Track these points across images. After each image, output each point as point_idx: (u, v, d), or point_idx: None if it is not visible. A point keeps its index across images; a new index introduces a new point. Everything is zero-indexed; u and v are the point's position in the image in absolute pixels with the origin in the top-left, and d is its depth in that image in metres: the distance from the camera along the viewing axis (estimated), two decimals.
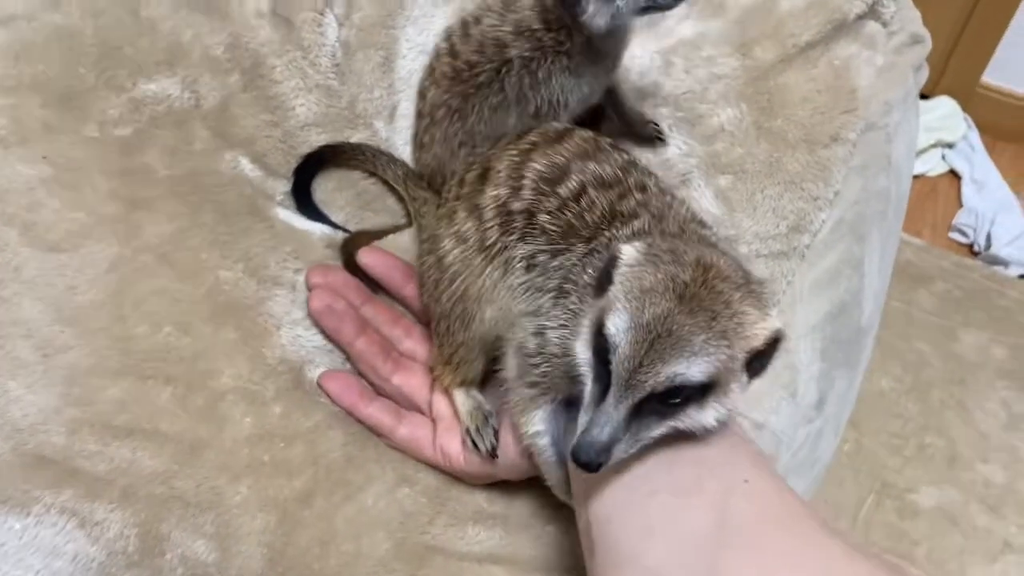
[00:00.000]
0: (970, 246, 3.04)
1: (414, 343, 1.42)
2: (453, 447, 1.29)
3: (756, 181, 1.47)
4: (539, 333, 1.11)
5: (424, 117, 1.54)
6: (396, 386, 1.36)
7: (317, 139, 1.63)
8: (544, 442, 1.15)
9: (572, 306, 1.07)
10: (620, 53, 1.46)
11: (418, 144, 1.57)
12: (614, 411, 0.87)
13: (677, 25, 1.65)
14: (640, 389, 0.86)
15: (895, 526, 2.09)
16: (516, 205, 1.17)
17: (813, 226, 1.45)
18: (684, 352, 0.85)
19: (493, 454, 1.24)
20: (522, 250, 1.16)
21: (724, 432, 0.99)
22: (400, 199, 1.62)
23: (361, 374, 1.39)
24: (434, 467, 1.33)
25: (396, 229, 1.60)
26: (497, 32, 1.43)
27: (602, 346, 0.89)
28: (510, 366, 1.20)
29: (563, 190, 1.14)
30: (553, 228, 1.13)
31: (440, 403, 1.34)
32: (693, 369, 0.85)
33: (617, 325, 0.88)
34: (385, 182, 1.63)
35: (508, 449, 1.23)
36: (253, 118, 1.60)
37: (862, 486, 2.02)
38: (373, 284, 1.48)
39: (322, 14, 1.72)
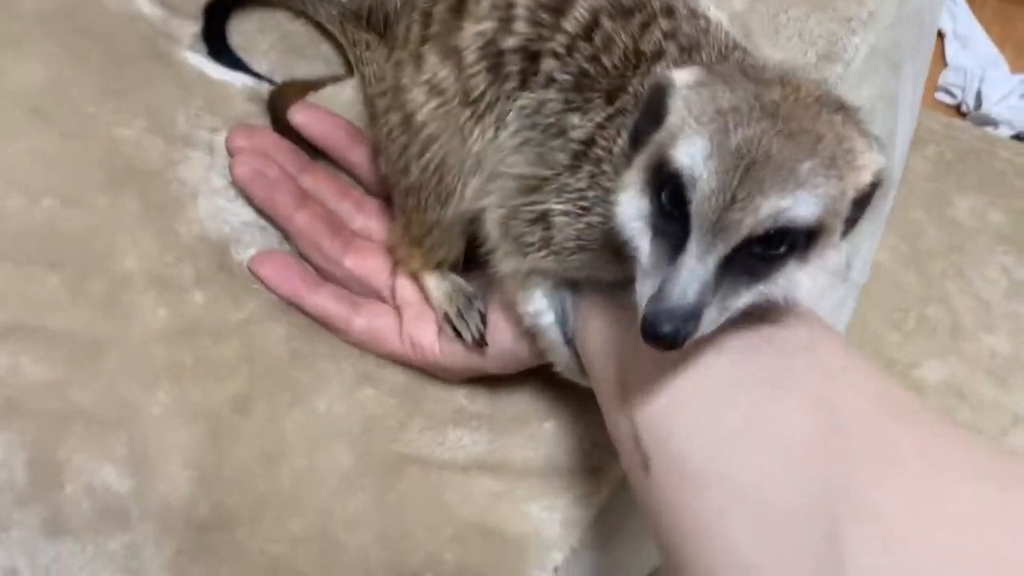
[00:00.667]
0: (958, 106, 2.88)
1: (368, 219, 1.14)
2: (426, 337, 1.04)
3: (778, 0, 1.21)
4: (543, 216, 0.86)
5: None
6: (348, 269, 1.09)
7: None
8: (548, 319, 0.91)
9: (605, 182, 0.81)
10: None
11: None
12: (699, 265, 0.64)
13: None
14: (734, 232, 0.64)
15: None
16: (509, 42, 0.89)
17: (847, 53, 1.20)
18: (789, 182, 0.63)
19: (481, 342, 0.99)
20: (523, 100, 0.90)
21: (798, 309, 0.75)
22: (337, 45, 1.32)
23: (304, 256, 1.12)
24: (402, 362, 1.07)
25: (335, 79, 1.30)
26: None
27: (671, 186, 0.66)
28: (497, 246, 0.95)
29: (569, 23, 0.87)
30: (564, 76, 0.87)
31: (405, 288, 1.08)
32: (801, 205, 0.64)
33: (693, 153, 0.65)
34: (317, 24, 1.33)
35: (500, 334, 0.99)
36: None
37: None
38: (311, 149, 1.19)
39: None
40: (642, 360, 0.76)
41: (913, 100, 1.40)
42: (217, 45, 1.26)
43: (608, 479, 1.05)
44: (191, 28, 1.25)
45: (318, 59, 1.34)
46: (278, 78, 1.29)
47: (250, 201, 1.13)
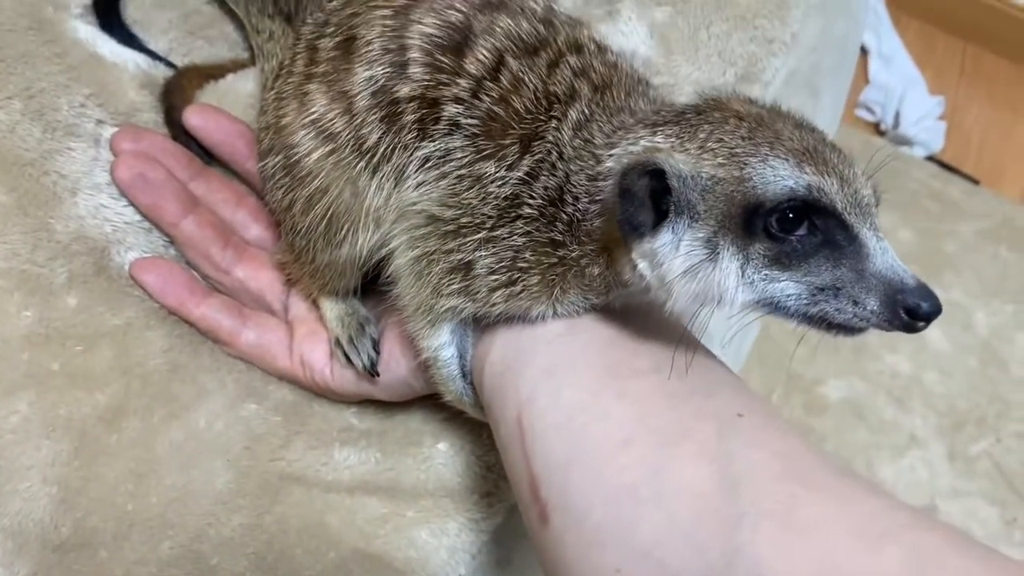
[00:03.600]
0: (876, 124, 2.91)
1: (265, 229, 1.07)
2: (316, 357, 0.98)
3: (700, 15, 1.18)
4: (467, 267, 0.81)
5: None
6: (239, 279, 1.02)
7: None
8: (448, 353, 0.87)
9: (542, 251, 0.78)
10: None
11: None
12: (883, 243, 0.70)
13: None
14: (870, 204, 0.70)
15: (802, 421, 1.95)
16: (404, 90, 0.81)
17: (766, 75, 1.18)
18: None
19: (372, 371, 0.94)
20: (425, 151, 0.82)
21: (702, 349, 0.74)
22: (242, 26, 1.24)
23: (191, 264, 1.04)
24: (290, 381, 1.02)
25: (237, 67, 1.22)
26: None
27: (782, 215, 0.68)
28: (404, 266, 0.87)
29: (472, 64, 0.80)
30: (470, 121, 0.80)
31: (299, 303, 1.02)
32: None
33: (795, 175, 0.68)
34: (222, 2, 1.25)
35: (396, 365, 0.94)
36: None
37: (769, 379, 1.86)
38: (207, 152, 1.11)
39: None
40: (542, 407, 0.73)
41: (831, 123, 1.40)
42: (109, 17, 1.17)
43: (501, 504, 1.01)
44: None
45: (221, 41, 1.26)
46: (176, 59, 1.21)
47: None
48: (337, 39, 0.86)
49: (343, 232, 0.88)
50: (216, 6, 1.25)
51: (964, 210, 2.48)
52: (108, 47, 1.14)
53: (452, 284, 0.80)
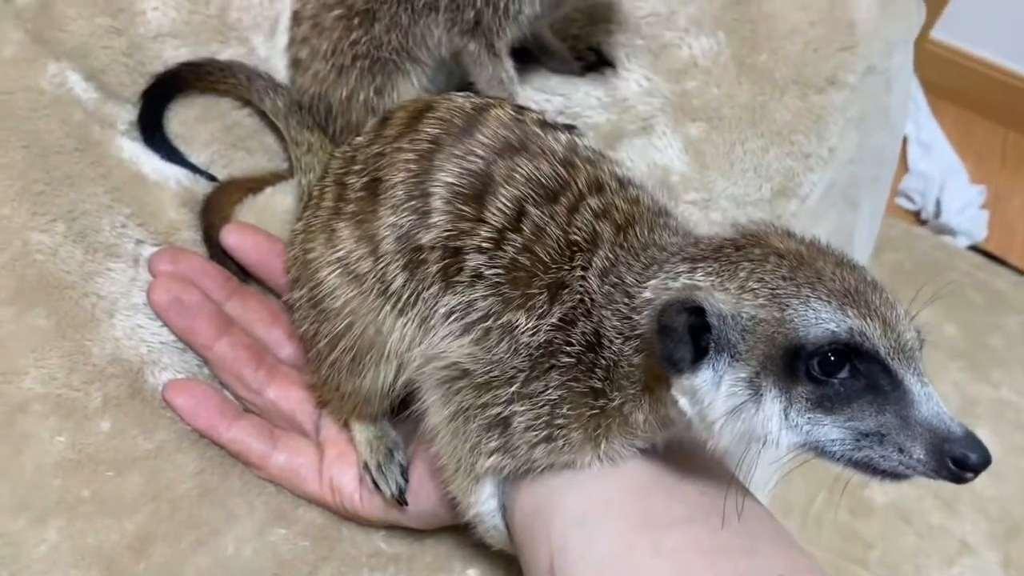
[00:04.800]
0: (917, 213, 2.85)
1: (297, 348, 1.06)
2: (346, 481, 0.97)
3: (735, 131, 1.18)
4: (503, 423, 0.79)
5: (304, 22, 1.19)
6: (270, 400, 1.02)
7: (174, 54, 1.26)
8: (491, 507, 0.85)
9: (582, 403, 0.76)
10: None
11: (292, 60, 1.22)
12: (929, 389, 0.69)
13: None
14: (914, 347, 0.69)
15: (847, 525, 1.89)
16: (426, 237, 0.81)
17: (802, 190, 1.17)
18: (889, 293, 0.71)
19: (401, 499, 0.92)
20: (450, 303, 0.81)
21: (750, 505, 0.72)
22: (282, 137, 1.26)
23: (223, 384, 1.05)
24: (319, 504, 1.00)
25: (276, 178, 1.24)
26: None
27: (826, 358, 0.67)
28: (440, 424, 0.85)
29: (492, 214, 0.80)
30: (493, 271, 0.79)
31: (331, 425, 1.01)
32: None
33: (838, 318, 0.67)
34: (263, 113, 1.27)
35: (425, 496, 0.93)
36: (86, 22, 1.21)
37: (812, 482, 1.80)
38: (243, 269, 1.12)
39: None
40: (574, 558, 0.71)
41: (870, 232, 1.38)
42: (153, 133, 1.20)
43: None
44: (128, 114, 1.20)
45: (261, 152, 1.28)
46: (217, 171, 1.23)
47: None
48: (364, 179, 0.87)
49: (367, 366, 0.88)
50: (257, 118, 1.28)
51: (1011, 302, 2.42)
52: (151, 165, 1.16)
53: (490, 442, 0.79)
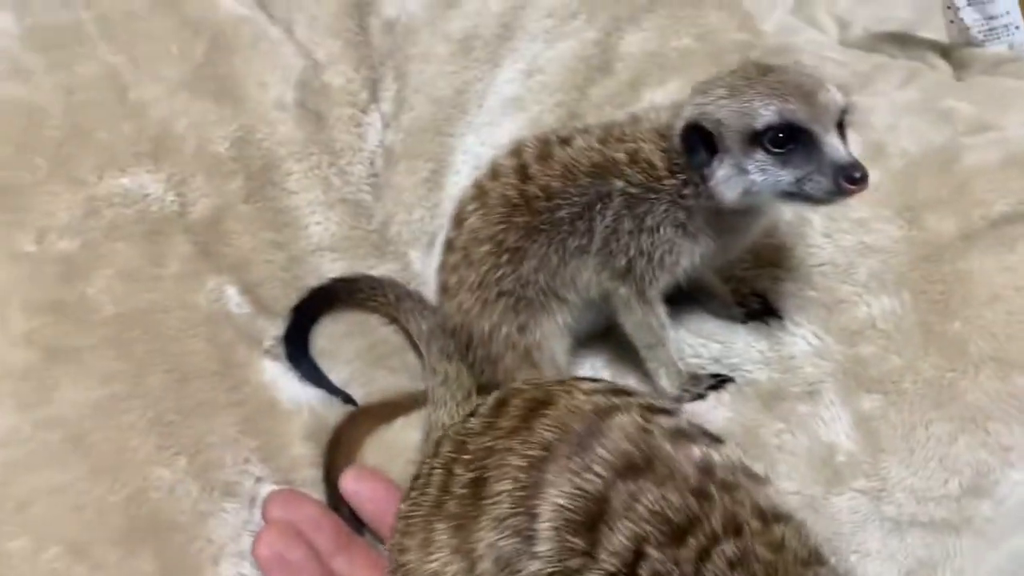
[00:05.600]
0: None
1: None
2: None
3: (918, 410, 1.03)
4: None
5: (455, 251, 1.16)
6: None
7: (331, 267, 1.27)
8: None
9: None
10: (752, 230, 1.09)
11: (441, 285, 1.19)
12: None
13: None
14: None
15: None
16: (530, 569, 0.72)
17: (1000, 489, 0.99)
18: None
19: None
20: None
21: None
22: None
23: None
24: None
25: (412, 404, 1.20)
26: (598, 157, 1.07)
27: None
28: None
29: (607, 553, 0.69)
30: None
31: None
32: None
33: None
34: (407, 331, 1.25)
35: None
36: (252, 236, 1.24)
37: None
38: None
39: (364, 111, 1.38)
40: None
41: None
42: (297, 349, 1.20)
43: None
44: (275, 329, 1.20)
45: (403, 371, 1.25)
46: (355, 389, 1.21)
47: None
48: (471, 474, 0.79)
49: None
50: (403, 336, 1.26)
51: None
52: (288, 391, 1.15)
53: None
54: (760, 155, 0.96)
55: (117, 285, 1.12)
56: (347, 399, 1.19)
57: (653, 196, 1.04)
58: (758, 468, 0.88)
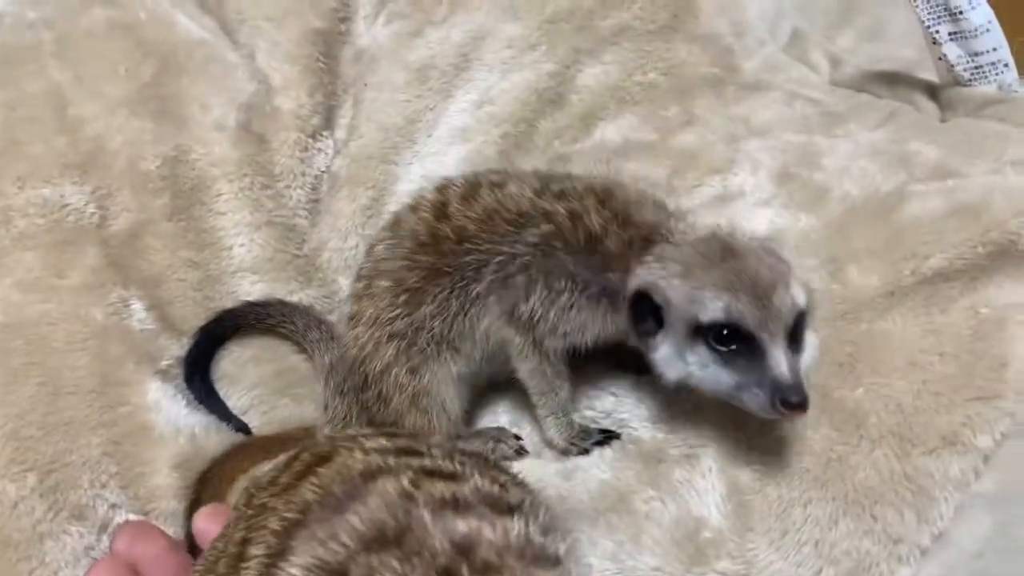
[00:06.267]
0: None
1: None
2: None
3: (798, 487, 0.90)
4: None
5: (361, 280, 1.12)
6: None
7: (250, 290, 1.25)
8: None
9: None
10: None
11: (348, 315, 1.14)
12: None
13: (752, 208, 1.12)
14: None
15: None
16: None
17: None
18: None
19: None
20: None
21: None
22: None
23: None
24: None
25: (305, 437, 1.14)
26: (526, 205, 1.01)
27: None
28: None
29: None
30: None
31: None
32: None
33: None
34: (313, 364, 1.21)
35: None
36: (170, 253, 1.24)
37: None
38: None
39: (314, 137, 1.36)
40: None
41: None
42: (197, 372, 1.18)
43: None
44: (178, 349, 1.19)
45: (309, 400, 1.21)
46: (254, 416, 1.18)
47: None
48: (240, 534, 0.71)
49: None
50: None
51: None
52: (168, 415, 1.11)
53: None
54: (702, 349, 0.88)
55: (13, 294, 1.13)
56: (240, 427, 1.16)
57: (577, 263, 0.97)
58: (616, 539, 0.79)
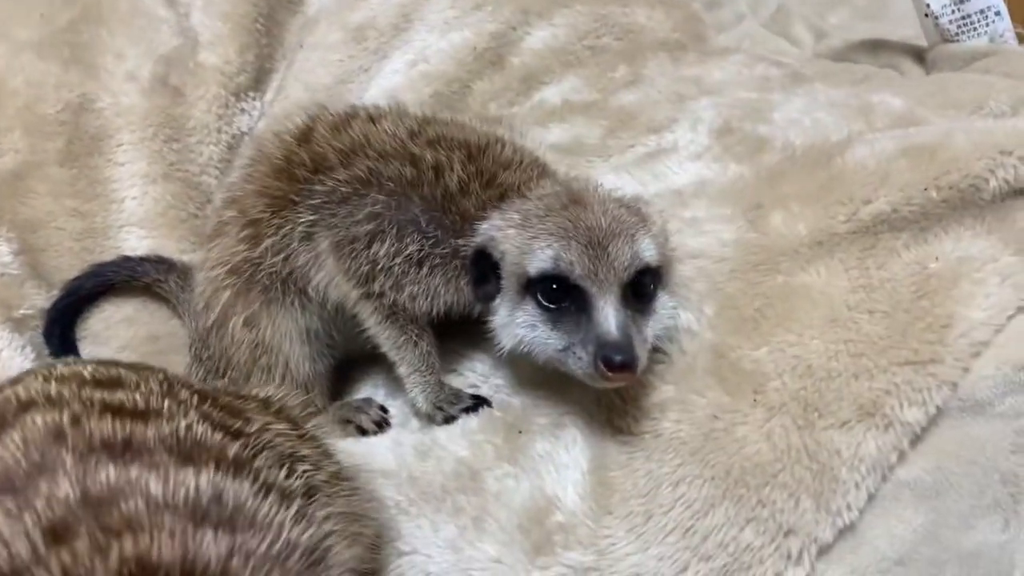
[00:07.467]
0: None
1: None
2: None
3: (670, 462, 0.71)
4: None
5: (212, 218, 0.99)
6: None
7: (137, 245, 1.14)
8: None
9: None
10: None
11: (200, 258, 1.00)
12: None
13: (682, 162, 0.96)
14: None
15: None
16: None
17: None
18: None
19: None
20: None
21: None
22: None
23: None
24: None
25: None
26: (395, 145, 0.87)
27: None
28: None
29: None
30: None
31: None
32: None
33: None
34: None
35: None
36: (54, 200, 1.14)
37: None
38: None
39: (237, 96, 1.26)
40: None
41: None
42: (60, 327, 1.06)
43: None
44: (42, 300, 1.07)
45: (182, 369, 1.07)
46: None
47: None
48: None
49: None
50: None
51: None
52: (4, 365, 0.98)
53: None
54: (531, 307, 0.78)
55: None
56: None
57: (435, 232, 0.84)
58: (459, 523, 0.66)
